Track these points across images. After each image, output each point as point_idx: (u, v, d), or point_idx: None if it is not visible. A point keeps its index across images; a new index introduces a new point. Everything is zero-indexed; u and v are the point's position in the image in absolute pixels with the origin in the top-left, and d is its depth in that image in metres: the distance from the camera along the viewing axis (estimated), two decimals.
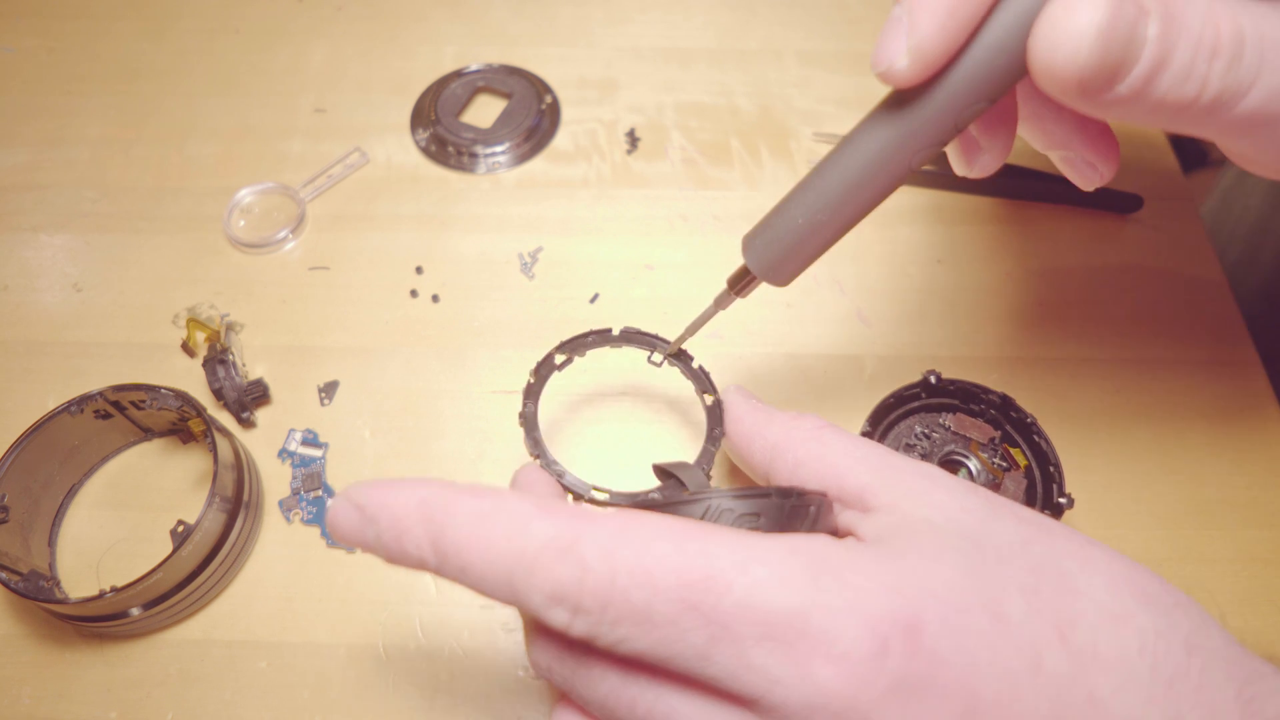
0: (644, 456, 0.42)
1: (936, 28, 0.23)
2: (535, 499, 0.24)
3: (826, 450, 0.28)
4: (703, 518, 0.25)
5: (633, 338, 0.36)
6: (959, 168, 0.32)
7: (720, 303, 0.34)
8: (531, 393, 0.34)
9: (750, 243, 0.31)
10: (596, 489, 0.30)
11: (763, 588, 0.22)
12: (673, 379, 0.38)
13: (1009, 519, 0.25)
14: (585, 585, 0.22)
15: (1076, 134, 0.30)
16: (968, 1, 0.23)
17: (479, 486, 0.24)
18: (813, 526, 0.26)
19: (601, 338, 0.35)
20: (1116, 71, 0.22)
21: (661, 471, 0.32)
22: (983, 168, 0.31)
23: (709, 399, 0.34)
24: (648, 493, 0.31)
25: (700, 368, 0.35)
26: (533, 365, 0.35)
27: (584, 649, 0.24)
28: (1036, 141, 0.31)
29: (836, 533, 0.27)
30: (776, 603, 0.22)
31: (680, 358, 0.36)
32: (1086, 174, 0.31)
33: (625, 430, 0.43)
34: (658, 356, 0.36)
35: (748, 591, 0.22)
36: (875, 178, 0.28)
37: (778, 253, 0.30)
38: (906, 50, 0.24)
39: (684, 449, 0.43)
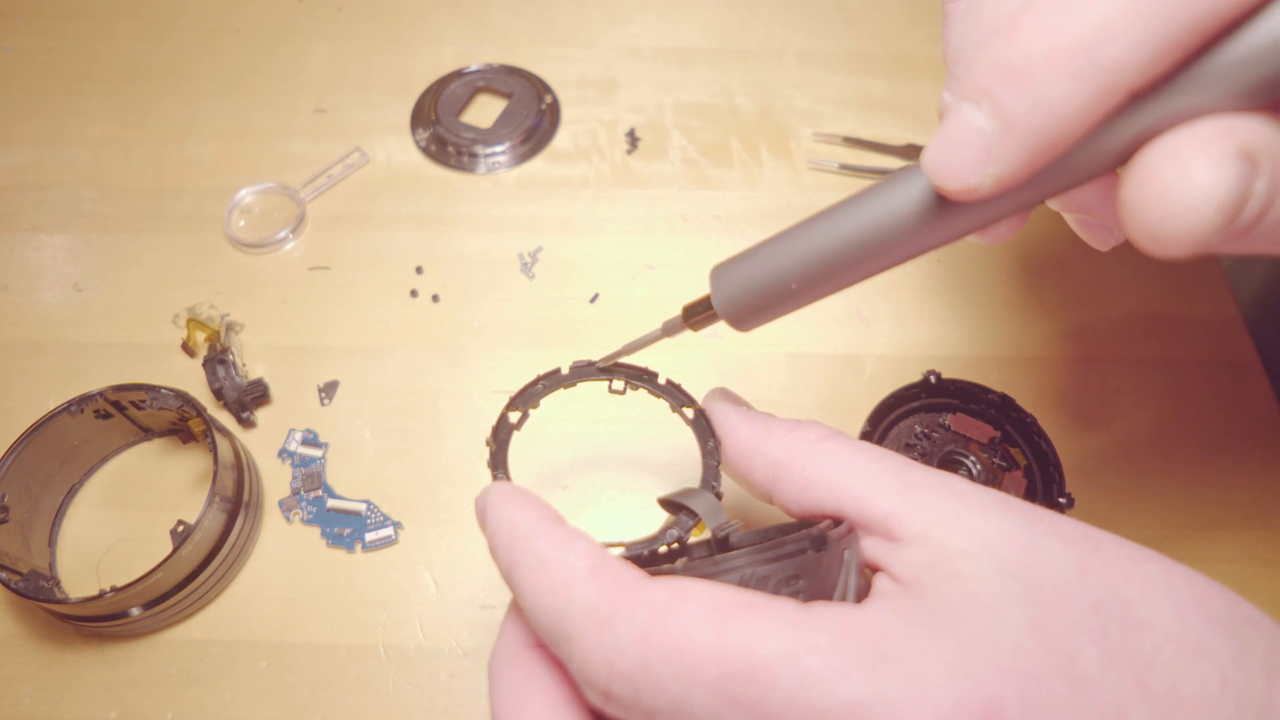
0: (643, 494, 0.41)
1: (1029, 162, 0.20)
2: (594, 553, 0.23)
3: (837, 467, 0.26)
4: (739, 584, 0.22)
5: (585, 372, 0.32)
6: (975, 236, 0.29)
7: (669, 329, 0.30)
8: (498, 461, 0.30)
9: (723, 279, 0.27)
10: (609, 545, 0.27)
11: (815, 680, 0.20)
12: (641, 402, 0.35)
13: (1053, 540, 0.23)
14: (616, 669, 0.21)
15: (1099, 201, 0.28)
16: (1067, 134, 0.20)
17: (556, 525, 0.24)
18: (850, 573, 0.24)
19: (552, 381, 0.32)
20: (1222, 231, 0.19)
21: (669, 504, 0.29)
22: (998, 237, 0.29)
23: (689, 412, 0.31)
24: (664, 531, 0.28)
25: (669, 381, 0.32)
26: (488, 432, 0.31)
27: None
28: (1055, 203, 0.29)
29: (865, 567, 0.25)
30: (831, 698, 0.19)
31: (644, 378, 0.32)
32: (1102, 237, 0.29)
33: (613, 477, 0.41)
34: (618, 384, 0.32)
35: (798, 685, 0.20)
36: (901, 250, 0.24)
37: (755, 302, 0.26)
38: (991, 178, 0.21)
39: (680, 475, 0.42)
